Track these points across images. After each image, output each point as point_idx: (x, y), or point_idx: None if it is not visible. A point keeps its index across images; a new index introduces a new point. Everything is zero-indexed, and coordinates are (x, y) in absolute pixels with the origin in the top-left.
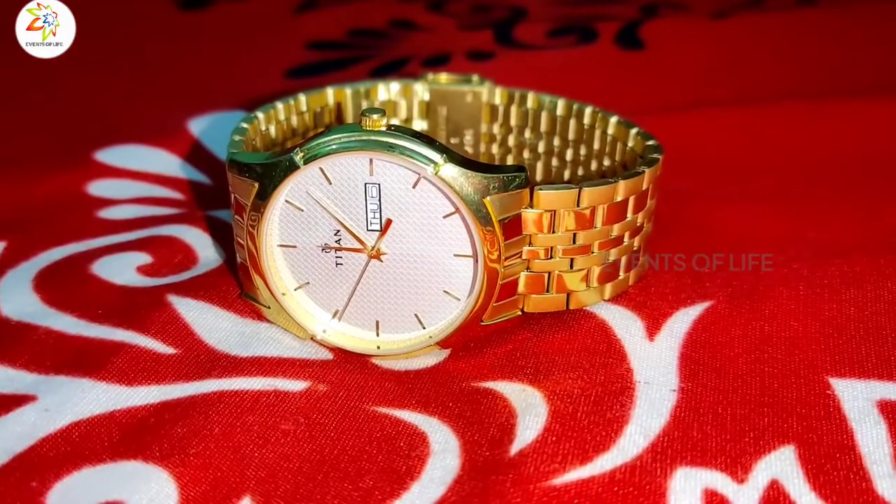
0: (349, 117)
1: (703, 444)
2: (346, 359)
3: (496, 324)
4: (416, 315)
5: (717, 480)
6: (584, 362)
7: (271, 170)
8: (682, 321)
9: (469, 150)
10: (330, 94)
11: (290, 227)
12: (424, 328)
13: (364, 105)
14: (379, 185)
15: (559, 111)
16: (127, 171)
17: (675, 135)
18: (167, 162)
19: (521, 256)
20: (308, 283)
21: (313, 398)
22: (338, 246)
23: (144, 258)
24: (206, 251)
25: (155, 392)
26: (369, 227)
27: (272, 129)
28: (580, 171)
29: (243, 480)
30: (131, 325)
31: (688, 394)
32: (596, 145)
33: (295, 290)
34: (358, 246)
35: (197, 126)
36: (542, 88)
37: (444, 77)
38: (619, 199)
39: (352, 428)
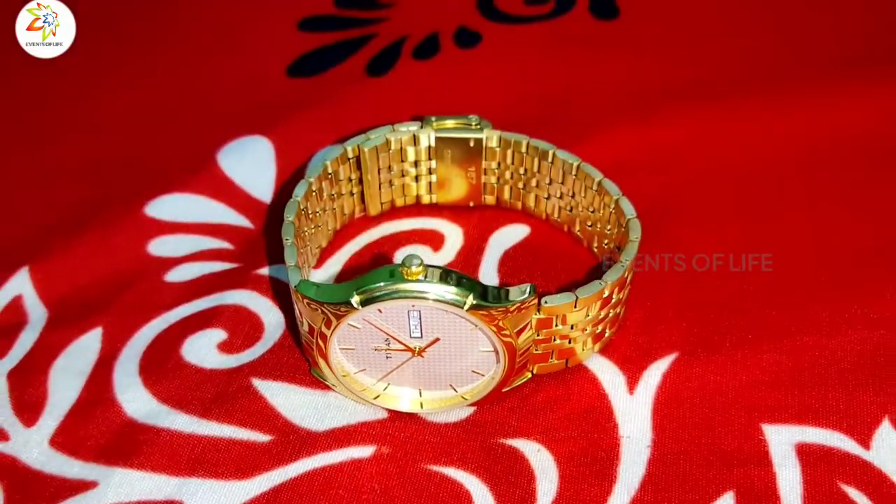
0: (368, 166)
1: (668, 496)
2: (398, 416)
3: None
4: (451, 385)
5: None
6: (581, 420)
7: (334, 307)
8: (654, 374)
9: (472, 180)
10: (349, 150)
11: (349, 337)
12: (457, 391)
13: (381, 157)
14: (420, 311)
15: (549, 159)
16: (177, 225)
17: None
18: (210, 209)
19: (532, 346)
20: (364, 369)
21: (381, 462)
22: (387, 348)
23: (221, 335)
24: (268, 316)
25: (265, 480)
26: (412, 335)
27: (309, 206)
28: (569, 209)
29: None
30: (232, 420)
31: (658, 448)
32: (582, 193)
33: (354, 373)
34: (403, 348)
35: (225, 160)
36: (529, 70)
37: (447, 123)
38: (606, 294)
39: (414, 488)
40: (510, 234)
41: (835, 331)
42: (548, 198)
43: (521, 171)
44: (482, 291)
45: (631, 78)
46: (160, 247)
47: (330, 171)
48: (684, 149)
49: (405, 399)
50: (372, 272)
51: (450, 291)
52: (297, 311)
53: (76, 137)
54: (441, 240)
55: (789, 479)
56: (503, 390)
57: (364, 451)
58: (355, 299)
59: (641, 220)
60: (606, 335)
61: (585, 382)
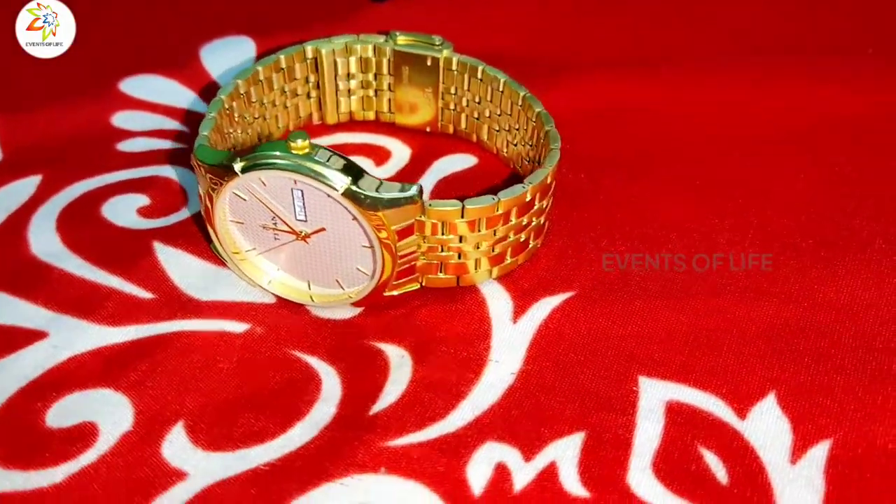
0: (325, 69)
1: (513, 426)
2: (285, 304)
3: (398, 295)
4: (337, 280)
5: (509, 455)
6: (457, 338)
7: (219, 172)
8: (543, 308)
9: (430, 104)
10: (308, 50)
11: (238, 209)
12: (344, 290)
13: (339, 62)
14: (302, 191)
15: (500, 88)
16: (146, 103)
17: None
18: (180, 95)
19: (417, 251)
20: (255, 249)
21: (249, 339)
22: (274, 227)
23: (144, 200)
24: (195, 192)
25: (132, 332)
26: (297, 218)
27: (253, 92)
28: (514, 143)
29: (181, 408)
30: (122, 273)
31: (524, 377)
32: (525, 126)
33: (246, 251)
34: (289, 230)
35: (208, 54)
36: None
37: (409, 39)
38: (499, 211)
39: (270, 368)
40: (455, 162)
41: (750, 300)
42: (498, 131)
43: (476, 99)
44: (360, 178)
45: (627, 36)
46: (123, 120)
47: (283, 65)
48: (651, 107)
49: (295, 289)
50: (262, 144)
51: (327, 170)
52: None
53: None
54: (387, 156)
55: (648, 433)
56: (386, 293)
57: (237, 327)
58: (238, 165)
59: (588, 168)
60: (508, 261)
61: (472, 304)
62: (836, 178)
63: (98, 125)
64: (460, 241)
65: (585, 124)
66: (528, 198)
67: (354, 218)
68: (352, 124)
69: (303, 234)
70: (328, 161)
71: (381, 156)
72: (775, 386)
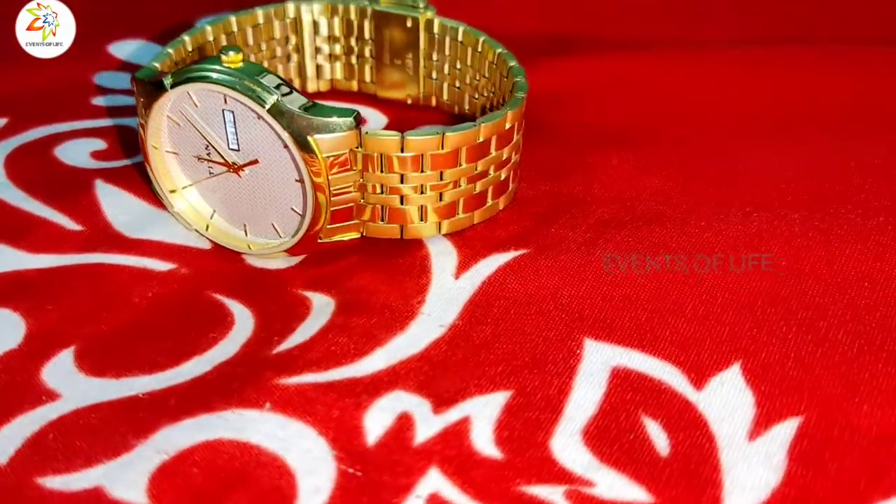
0: (305, 33)
1: (430, 378)
2: (220, 252)
3: (335, 242)
4: (273, 224)
5: (418, 407)
6: (390, 289)
7: (150, 89)
8: (489, 265)
9: (411, 73)
10: (290, 7)
11: (174, 138)
12: (281, 236)
13: (320, 23)
14: (234, 112)
15: (479, 48)
16: (130, 65)
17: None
18: None
19: (353, 189)
20: (191, 184)
21: (170, 278)
22: (208, 158)
23: (100, 145)
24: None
25: (50, 260)
26: (230, 147)
27: (224, 41)
28: (487, 106)
29: (77, 334)
30: (56, 205)
31: (454, 332)
32: (498, 84)
33: (182, 188)
34: (222, 161)
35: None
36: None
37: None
38: (446, 149)
39: (184, 306)
40: None
41: (724, 268)
42: (477, 98)
43: (457, 65)
44: (297, 100)
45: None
46: (105, 79)
47: (260, 20)
48: (650, 79)
49: (232, 236)
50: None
51: (256, 85)
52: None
53: None
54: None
55: (585, 397)
56: (322, 240)
57: (161, 266)
58: (168, 79)
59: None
60: (460, 216)
61: (414, 258)
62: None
63: (78, 81)
64: (401, 180)
65: (576, 98)
66: (481, 138)
67: (286, 146)
68: (332, 93)
69: (235, 165)
70: (260, 76)
71: None
72: (742, 356)
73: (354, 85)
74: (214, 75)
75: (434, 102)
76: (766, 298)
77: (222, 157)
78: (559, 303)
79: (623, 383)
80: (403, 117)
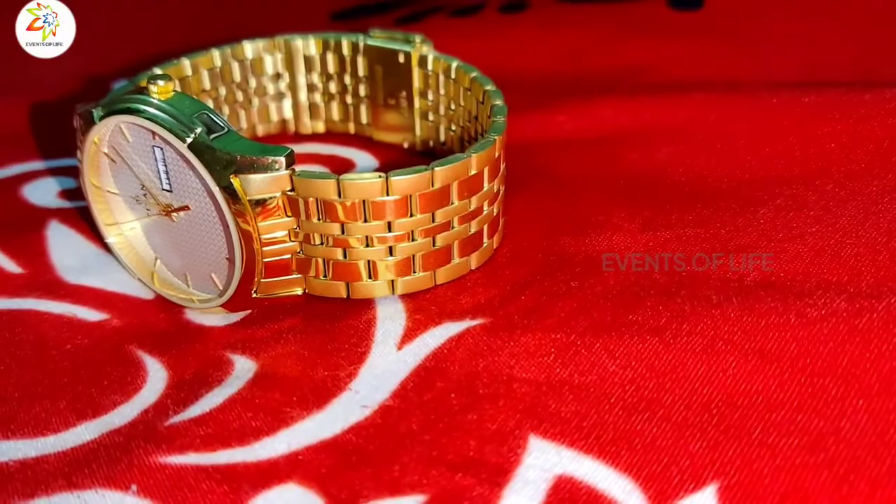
0: (294, 64)
1: (331, 472)
2: (162, 303)
3: (278, 298)
4: (211, 276)
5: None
6: (321, 358)
7: (82, 120)
8: (438, 336)
9: (405, 112)
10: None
11: (113, 176)
12: (220, 289)
13: (313, 58)
14: (162, 149)
15: (468, 85)
16: None
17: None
18: None
19: (289, 239)
20: (134, 228)
21: (97, 330)
22: (146, 199)
23: (72, 184)
24: None
25: None
26: (163, 187)
27: (206, 76)
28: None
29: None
30: (5, 247)
31: (379, 415)
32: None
33: (126, 226)
34: (156, 203)
35: None
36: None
37: (383, 34)
38: (393, 196)
39: (101, 362)
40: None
41: (708, 347)
42: (468, 142)
43: (451, 105)
44: (220, 136)
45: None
46: None
47: (248, 55)
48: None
49: (176, 287)
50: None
51: (179, 118)
52: None
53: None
54: (348, 167)
55: None
56: (257, 295)
57: (92, 315)
58: (98, 111)
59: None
60: (418, 273)
61: (358, 322)
62: None
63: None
64: (342, 231)
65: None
66: (437, 184)
67: (211, 190)
68: (326, 136)
69: (169, 208)
70: (187, 109)
71: (342, 167)
72: (718, 474)
73: (351, 127)
74: (141, 107)
75: (431, 145)
76: (750, 397)
77: (155, 198)
78: (508, 388)
79: (563, 497)
80: (395, 164)
